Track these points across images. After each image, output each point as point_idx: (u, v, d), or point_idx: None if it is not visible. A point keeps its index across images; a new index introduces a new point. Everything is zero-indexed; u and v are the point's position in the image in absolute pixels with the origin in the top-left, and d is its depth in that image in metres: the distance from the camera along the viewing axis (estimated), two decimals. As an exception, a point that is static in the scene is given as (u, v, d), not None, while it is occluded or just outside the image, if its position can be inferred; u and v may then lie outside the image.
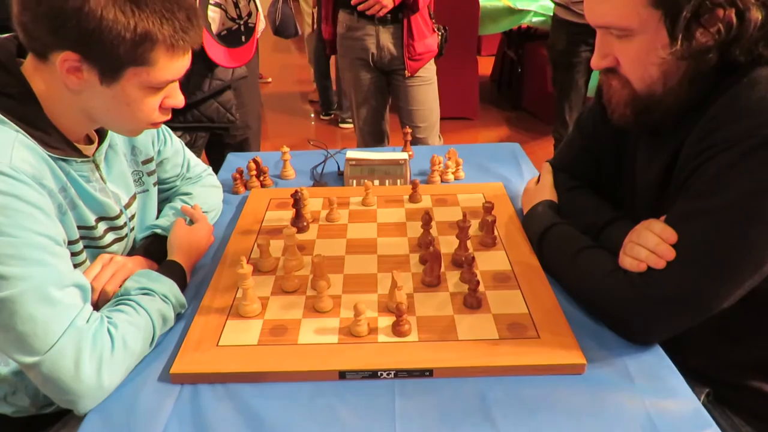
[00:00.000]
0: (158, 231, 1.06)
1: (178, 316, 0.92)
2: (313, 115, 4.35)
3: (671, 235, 0.80)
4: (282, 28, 3.62)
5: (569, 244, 0.97)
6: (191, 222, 1.09)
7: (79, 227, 0.89)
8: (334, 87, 4.10)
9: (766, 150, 0.72)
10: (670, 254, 0.79)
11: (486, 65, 4.77)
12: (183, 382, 0.81)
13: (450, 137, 3.57)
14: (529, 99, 4.13)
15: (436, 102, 2.20)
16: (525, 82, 4.11)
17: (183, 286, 0.96)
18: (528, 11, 3.67)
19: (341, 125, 4.00)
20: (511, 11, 3.70)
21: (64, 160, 0.85)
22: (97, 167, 0.93)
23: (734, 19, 0.73)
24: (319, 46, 3.63)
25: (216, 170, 1.79)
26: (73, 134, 0.87)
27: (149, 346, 0.85)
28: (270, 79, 5.01)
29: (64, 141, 0.85)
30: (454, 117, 3.84)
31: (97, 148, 0.93)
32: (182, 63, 0.83)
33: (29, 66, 0.81)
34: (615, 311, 0.86)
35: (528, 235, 1.09)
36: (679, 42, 0.75)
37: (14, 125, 0.78)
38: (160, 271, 0.92)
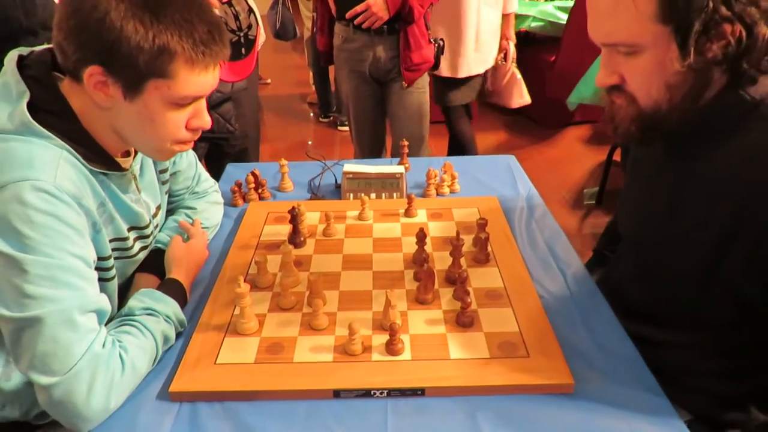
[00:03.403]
0: (160, 246, 1.08)
1: (178, 334, 0.94)
2: (312, 115, 4.38)
3: None
4: (283, 32, 3.64)
5: None
6: (187, 238, 1.12)
7: (112, 240, 0.91)
8: (333, 89, 4.12)
9: None
10: None
11: (485, 67, 4.78)
12: (181, 400, 0.83)
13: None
14: (528, 104, 4.13)
15: (428, 111, 2.20)
16: (523, 86, 4.12)
17: (183, 304, 0.98)
18: (527, 16, 3.69)
19: (340, 128, 4.02)
20: (510, 16, 3.71)
21: (105, 174, 0.88)
22: (134, 178, 0.96)
23: (744, 34, 0.73)
24: (318, 49, 3.65)
25: (215, 179, 1.82)
26: (112, 149, 0.89)
27: (152, 365, 0.87)
28: (269, 81, 5.02)
29: (106, 156, 0.88)
30: (453, 120, 3.86)
31: (134, 158, 0.96)
32: (205, 78, 0.83)
33: (66, 86, 0.83)
34: None
35: None
36: (691, 56, 0.75)
37: (59, 140, 0.80)
38: (162, 290, 0.94)
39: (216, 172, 1.85)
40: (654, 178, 0.95)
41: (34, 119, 0.78)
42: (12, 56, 0.84)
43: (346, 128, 3.92)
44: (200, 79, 0.83)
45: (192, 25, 0.78)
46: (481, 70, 2.54)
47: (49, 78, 0.83)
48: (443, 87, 2.51)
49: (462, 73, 2.44)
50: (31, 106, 0.79)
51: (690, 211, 0.85)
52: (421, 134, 2.20)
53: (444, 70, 2.40)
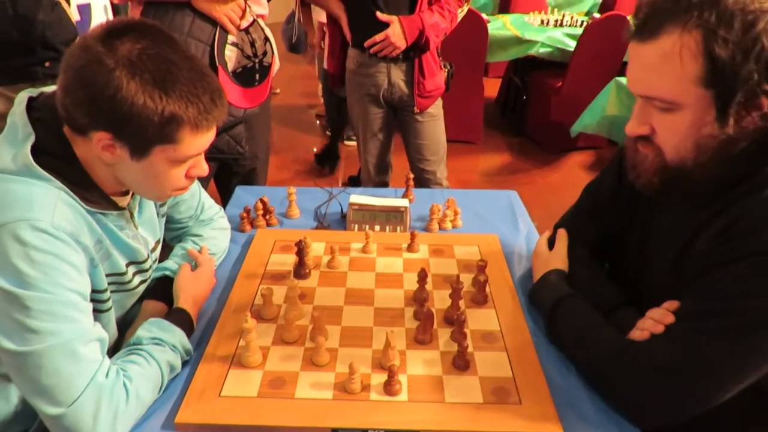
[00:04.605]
0: (168, 273, 1.12)
1: (184, 363, 0.98)
2: (318, 123, 4.43)
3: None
4: (298, 46, 3.70)
5: (580, 319, 0.99)
6: (195, 266, 1.15)
7: (109, 274, 0.95)
8: (341, 102, 4.16)
9: None
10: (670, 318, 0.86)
11: (492, 87, 4.84)
12: (186, 431, 0.87)
13: (453, 162, 3.61)
14: (533, 126, 4.19)
15: (444, 136, 2.28)
16: (529, 109, 4.18)
17: (190, 333, 1.02)
18: (536, 42, 3.74)
19: (346, 142, 4.06)
20: (520, 41, 3.77)
21: (102, 214, 0.92)
22: (131, 215, 1.00)
23: None
24: (328, 72, 3.70)
25: (224, 199, 1.86)
26: (110, 189, 0.93)
27: (158, 394, 0.91)
28: (278, 90, 5.07)
29: (103, 197, 0.92)
30: (458, 140, 3.90)
31: (132, 197, 1.00)
32: (206, 139, 0.88)
33: (68, 132, 0.87)
34: (618, 393, 0.90)
35: (538, 303, 1.12)
36: (730, 125, 0.77)
37: (58, 182, 0.84)
38: (169, 319, 0.98)
39: (224, 191, 1.90)
40: (666, 222, 0.97)
41: (36, 161, 0.82)
42: (22, 98, 0.89)
43: (353, 143, 3.97)
44: (203, 140, 0.88)
45: (197, 97, 0.83)
46: None
47: (55, 121, 0.87)
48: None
49: None
50: (35, 148, 0.83)
51: (699, 255, 0.87)
52: (439, 159, 2.26)
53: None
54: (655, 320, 0.88)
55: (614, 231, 1.09)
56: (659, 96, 0.81)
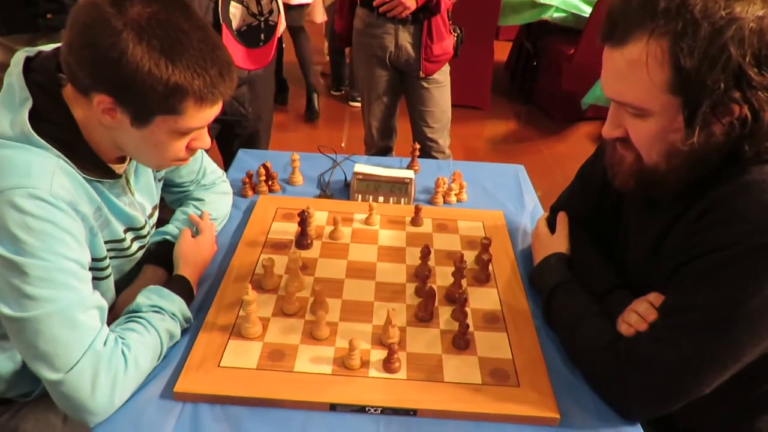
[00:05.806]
0: (168, 238, 1.11)
1: (184, 330, 0.98)
2: (323, 80, 4.34)
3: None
4: None
5: (575, 307, 1.00)
6: (196, 231, 1.14)
7: (108, 242, 0.94)
8: (348, 60, 4.07)
9: (752, 257, 0.75)
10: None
11: (503, 50, 4.72)
12: (185, 400, 0.87)
13: (458, 128, 3.56)
14: (541, 94, 4.11)
15: (449, 104, 2.23)
16: (539, 76, 4.09)
17: (190, 300, 1.01)
18: (550, 6, 3.63)
19: (351, 103, 4.00)
20: (534, 4, 3.65)
21: (99, 182, 0.90)
22: (128, 181, 0.98)
23: (749, 117, 0.75)
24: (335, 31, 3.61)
25: (225, 161, 1.83)
26: (107, 155, 0.91)
27: (157, 362, 0.90)
28: (284, 46, 4.94)
29: (101, 165, 0.90)
30: (464, 105, 3.83)
31: (128, 163, 0.97)
32: (210, 112, 0.85)
33: (70, 93, 0.84)
34: (603, 386, 0.91)
35: (537, 286, 1.12)
36: (695, 135, 0.77)
37: (56, 151, 0.82)
38: (169, 287, 0.97)
39: (226, 154, 1.87)
40: (643, 217, 0.98)
41: (35, 128, 0.80)
42: (19, 59, 0.85)
43: (357, 104, 3.90)
44: (207, 113, 0.85)
45: (205, 69, 0.79)
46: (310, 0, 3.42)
47: (54, 85, 0.84)
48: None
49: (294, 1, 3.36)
50: (32, 113, 0.81)
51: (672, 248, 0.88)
52: (443, 126, 2.22)
53: None
54: (640, 314, 0.89)
55: (607, 211, 1.10)
56: (629, 102, 0.81)
